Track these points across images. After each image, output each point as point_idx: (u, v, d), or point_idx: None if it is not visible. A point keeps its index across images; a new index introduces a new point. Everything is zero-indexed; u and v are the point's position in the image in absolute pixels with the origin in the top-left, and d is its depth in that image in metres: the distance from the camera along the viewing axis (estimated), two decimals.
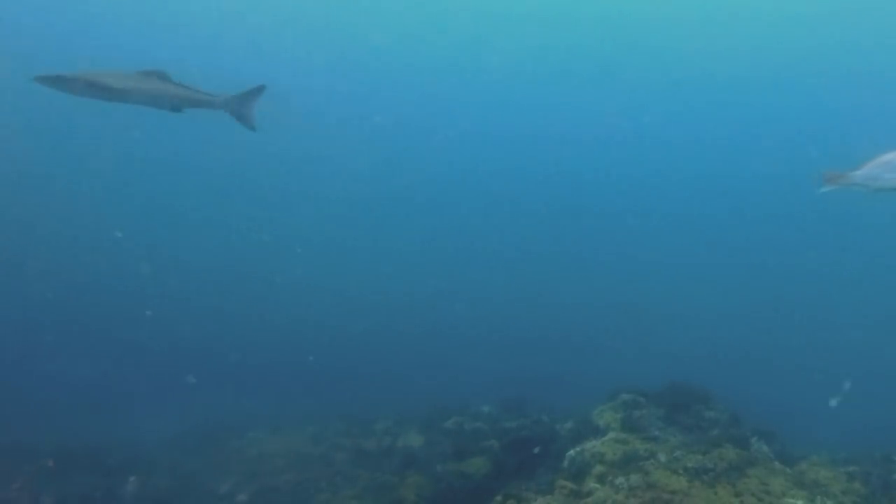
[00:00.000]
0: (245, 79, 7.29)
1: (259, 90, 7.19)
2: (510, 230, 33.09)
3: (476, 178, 36.80)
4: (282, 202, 34.62)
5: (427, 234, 34.00)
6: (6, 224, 27.60)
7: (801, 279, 28.74)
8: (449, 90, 38.56)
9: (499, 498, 7.77)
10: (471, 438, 11.29)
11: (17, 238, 27.64)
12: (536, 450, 10.22)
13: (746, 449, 8.34)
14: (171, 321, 24.38)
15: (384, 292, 27.43)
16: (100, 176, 32.78)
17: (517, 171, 36.17)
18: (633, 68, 35.71)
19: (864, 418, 13.93)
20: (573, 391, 13.19)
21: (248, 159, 34.70)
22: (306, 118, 35.82)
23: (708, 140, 36.57)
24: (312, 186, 35.49)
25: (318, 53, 36.07)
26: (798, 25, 30.76)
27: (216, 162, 33.91)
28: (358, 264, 30.41)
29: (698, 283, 28.80)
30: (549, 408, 12.35)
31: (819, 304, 26.30)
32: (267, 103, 7.22)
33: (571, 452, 8.73)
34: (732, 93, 34.71)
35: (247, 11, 33.29)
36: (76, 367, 20.15)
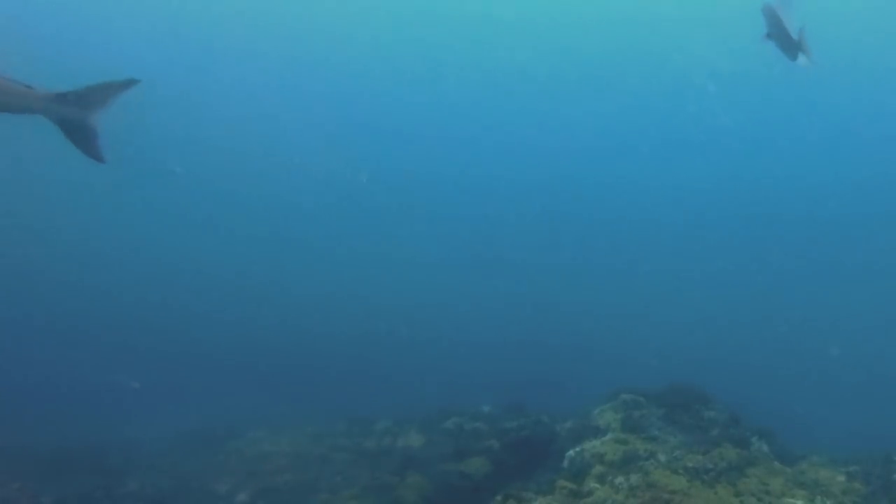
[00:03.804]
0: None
1: (121, 86, 4.70)
2: (511, 235, 33.10)
3: (476, 183, 36.83)
4: (285, 208, 34.65)
5: (429, 240, 34.01)
6: (7, 226, 27.63)
7: (802, 280, 28.75)
8: (448, 94, 38.58)
9: (499, 498, 7.76)
10: (471, 438, 11.30)
11: (19, 240, 27.65)
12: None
13: (746, 449, 8.35)
14: (173, 323, 24.41)
15: (385, 296, 27.43)
16: (101, 177, 32.77)
17: (518, 177, 36.19)
18: (629, 73, 35.78)
19: (865, 419, 13.94)
20: (573, 392, 13.21)
21: (249, 164, 34.85)
22: (300, 120, 35.96)
23: (708, 144, 36.60)
24: (314, 192, 35.56)
25: (311, 55, 36.09)
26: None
27: (217, 166, 33.99)
28: (360, 269, 30.40)
29: (697, 285, 28.81)
30: (549, 408, 12.35)
31: (820, 305, 26.30)
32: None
33: (571, 452, 8.73)
34: (725, 95, 34.73)
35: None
36: (76, 367, 20.17)
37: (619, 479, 7.50)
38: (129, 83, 4.69)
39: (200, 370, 20.00)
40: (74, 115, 4.62)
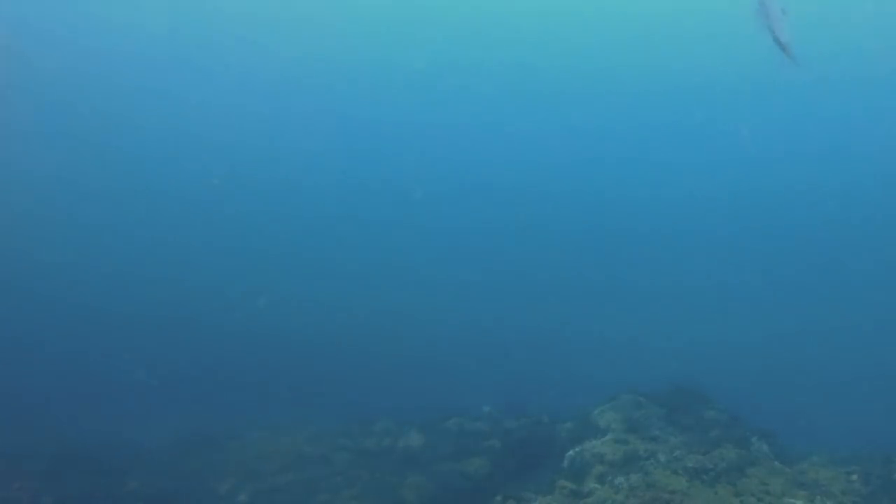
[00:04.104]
0: None
1: None
2: (512, 234, 33.16)
3: (480, 189, 36.93)
4: (287, 212, 34.71)
5: (428, 243, 34.07)
6: (8, 225, 27.63)
7: (802, 281, 28.76)
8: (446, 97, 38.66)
9: (499, 498, 7.77)
10: (471, 438, 11.30)
11: (20, 241, 27.65)
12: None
13: (746, 449, 8.35)
14: (173, 324, 24.39)
15: (386, 298, 27.43)
16: (104, 176, 32.85)
17: (525, 183, 36.28)
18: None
19: (865, 419, 13.94)
20: (574, 392, 13.21)
21: (250, 169, 34.96)
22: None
23: (712, 145, 36.77)
24: (315, 196, 35.69)
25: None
26: None
27: (219, 170, 34.08)
28: (361, 272, 30.42)
29: (698, 284, 28.82)
30: (549, 408, 12.35)
31: (820, 306, 26.29)
32: None
33: (571, 452, 8.74)
34: (713, 104, 34.91)
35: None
36: (77, 368, 20.18)
37: (619, 479, 7.50)
38: None
39: (201, 371, 19.99)
40: None
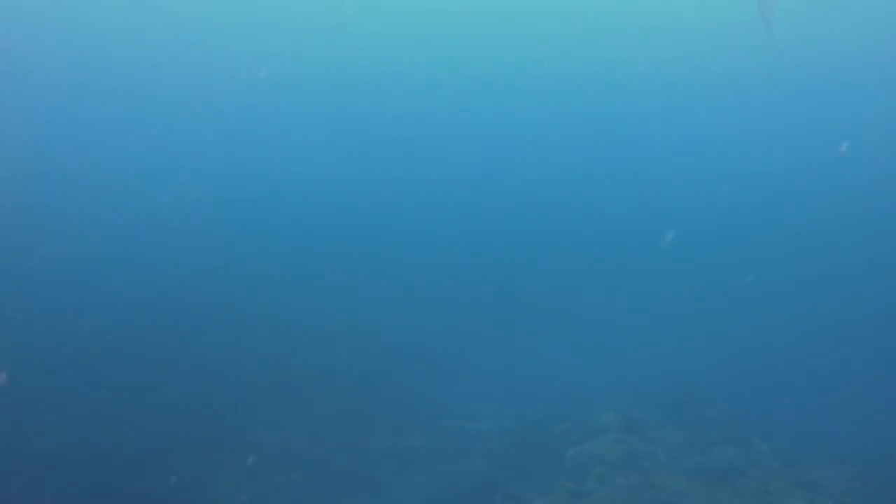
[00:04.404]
0: None
1: None
2: (513, 238, 33.12)
3: (479, 194, 37.02)
4: (290, 210, 34.75)
5: (428, 245, 34.09)
6: (8, 220, 27.60)
7: (800, 277, 28.73)
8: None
9: (499, 498, 7.78)
10: (471, 438, 11.31)
11: (18, 235, 27.59)
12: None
13: (746, 449, 8.36)
14: (171, 320, 24.37)
15: (387, 298, 27.39)
16: (104, 173, 32.84)
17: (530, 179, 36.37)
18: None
19: (864, 419, 13.94)
20: (574, 392, 13.21)
21: (253, 168, 35.01)
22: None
23: (710, 148, 36.91)
24: (314, 193, 35.73)
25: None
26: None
27: (224, 169, 34.12)
28: (362, 273, 30.40)
29: (697, 281, 28.78)
30: (549, 408, 12.35)
31: (819, 305, 26.25)
32: None
33: (571, 452, 8.74)
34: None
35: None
36: (76, 365, 20.16)
37: (620, 480, 7.50)
38: None
39: (200, 369, 19.99)
40: None
